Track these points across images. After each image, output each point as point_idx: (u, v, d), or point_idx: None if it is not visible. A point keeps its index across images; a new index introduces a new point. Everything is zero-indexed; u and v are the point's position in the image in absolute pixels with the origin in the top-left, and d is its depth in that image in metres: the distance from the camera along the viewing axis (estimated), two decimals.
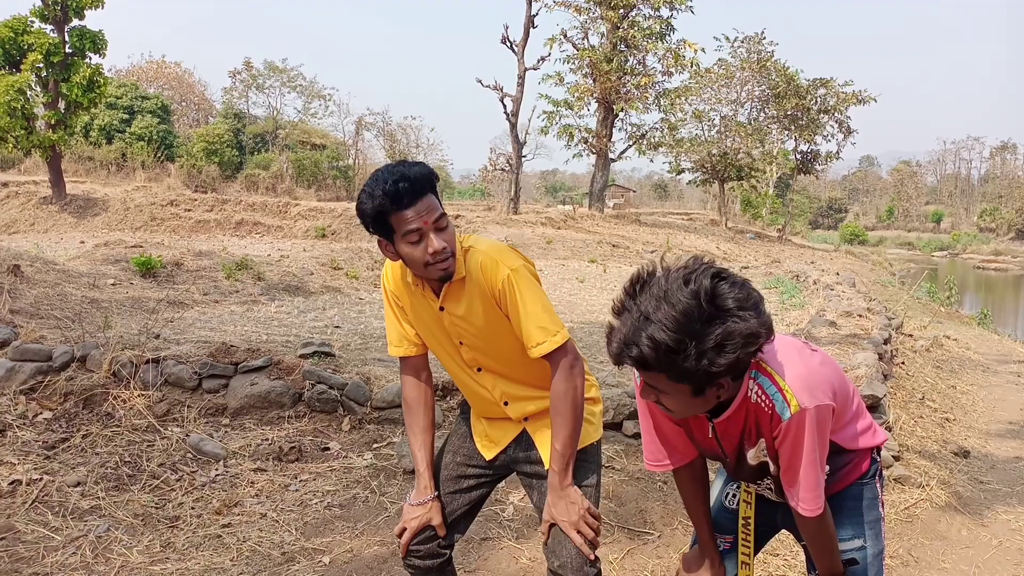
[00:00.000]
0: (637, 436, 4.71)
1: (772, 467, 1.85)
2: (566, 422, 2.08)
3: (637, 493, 4.16)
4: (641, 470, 4.39)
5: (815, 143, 35.10)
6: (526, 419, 2.25)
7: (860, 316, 8.25)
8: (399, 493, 4.10)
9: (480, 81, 25.99)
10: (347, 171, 35.60)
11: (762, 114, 35.48)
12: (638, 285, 1.62)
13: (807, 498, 1.78)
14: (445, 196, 41.22)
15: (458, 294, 2.12)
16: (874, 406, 5.06)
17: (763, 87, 34.62)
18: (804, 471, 1.75)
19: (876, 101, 32.96)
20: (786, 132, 35.33)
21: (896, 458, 4.82)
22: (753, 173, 34.23)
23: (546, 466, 2.20)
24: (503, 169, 27.47)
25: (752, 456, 1.87)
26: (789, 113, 33.64)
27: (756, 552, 2.15)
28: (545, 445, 2.22)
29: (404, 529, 2.26)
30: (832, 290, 11.39)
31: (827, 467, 1.85)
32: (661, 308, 1.54)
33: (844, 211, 78.46)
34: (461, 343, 2.18)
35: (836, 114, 33.86)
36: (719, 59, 34.97)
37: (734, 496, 2.15)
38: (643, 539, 3.73)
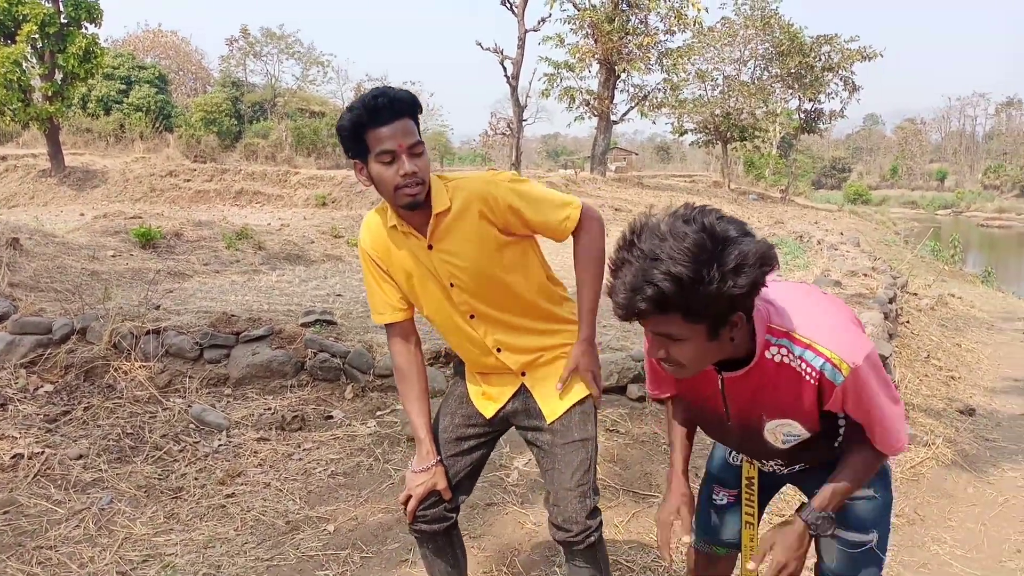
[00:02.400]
0: (642, 399, 4.69)
1: (797, 439, 1.81)
2: (596, 280, 2.16)
3: (642, 456, 4.14)
4: (645, 433, 4.37)
5: (819, 101, 34.74)
6: (523, 373, 2.22)
7: (865, 275, 8.20)
8: (403, 460, 4.08)
9: (480, 44, 25.66)
10: None
11: (766, 73, 35.06)
12: (633, 236, 1.55)
13: (897, 436, 1.76)
14: (445, 162, 40.94)
15: (447, 228, 2.07)
16: None
17: (767, 45, 34.16)
18: (882, 416, 1.71)
19: (882, 56, 32.51)
20: (790, 91, 34.94)
21: None
22: (756, 133, 33.92)
23: (547, 421, 2.19)
24: (504, 134, 27.27)
25: (776, 434, 1.82)
26: (793, 71, 33.24)
27: (760, 512, 2.12)
28: (544, 398, 2.21)
29: (409, 497, 2.25)
30: (836, 250, 11.33)
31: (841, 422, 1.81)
32: (668, 245, 1.47)
33: (848, 170, 77.84)
34: (452, 284, 2.12)
35: (840, 71, 33.46)
36: (723, 17, 34.49)
37: (738, 453, 2.12)
38: (648, 502, 3.72)
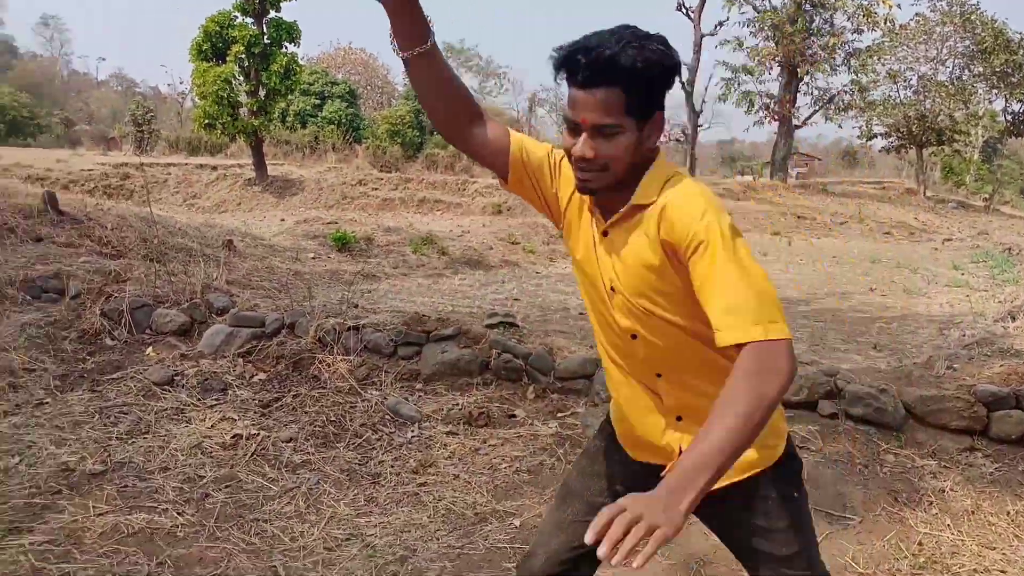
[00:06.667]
0: (833, 416, 4.49)
1: None
2: (740, 420, 1.37)
3: (835, 476, 3.96)
4: (838, 452, 4.17)
5: None
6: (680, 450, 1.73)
7: None
8: None
9: None
10: None
11: (966, 72, 32.46)
12: None
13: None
14: None
15: (628, 221, 1.63)
16: None
17: (967, 42, 31.62)
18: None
19: None
20: (994, 91, 32.14)
21: None
22: (956, 136, 31.48)
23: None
24: (678, 140, 26.83)
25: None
26: (998, 70, 30.56)
27: None
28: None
29: None
30: None
31: None
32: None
33: None
34: (612, 289, 1.68)
35: None
36: (916, 14, 32.29)
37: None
38: (843, 523, 3.56)
